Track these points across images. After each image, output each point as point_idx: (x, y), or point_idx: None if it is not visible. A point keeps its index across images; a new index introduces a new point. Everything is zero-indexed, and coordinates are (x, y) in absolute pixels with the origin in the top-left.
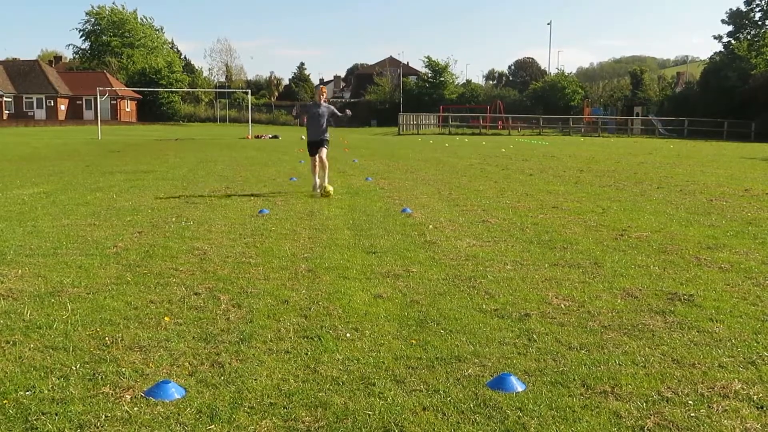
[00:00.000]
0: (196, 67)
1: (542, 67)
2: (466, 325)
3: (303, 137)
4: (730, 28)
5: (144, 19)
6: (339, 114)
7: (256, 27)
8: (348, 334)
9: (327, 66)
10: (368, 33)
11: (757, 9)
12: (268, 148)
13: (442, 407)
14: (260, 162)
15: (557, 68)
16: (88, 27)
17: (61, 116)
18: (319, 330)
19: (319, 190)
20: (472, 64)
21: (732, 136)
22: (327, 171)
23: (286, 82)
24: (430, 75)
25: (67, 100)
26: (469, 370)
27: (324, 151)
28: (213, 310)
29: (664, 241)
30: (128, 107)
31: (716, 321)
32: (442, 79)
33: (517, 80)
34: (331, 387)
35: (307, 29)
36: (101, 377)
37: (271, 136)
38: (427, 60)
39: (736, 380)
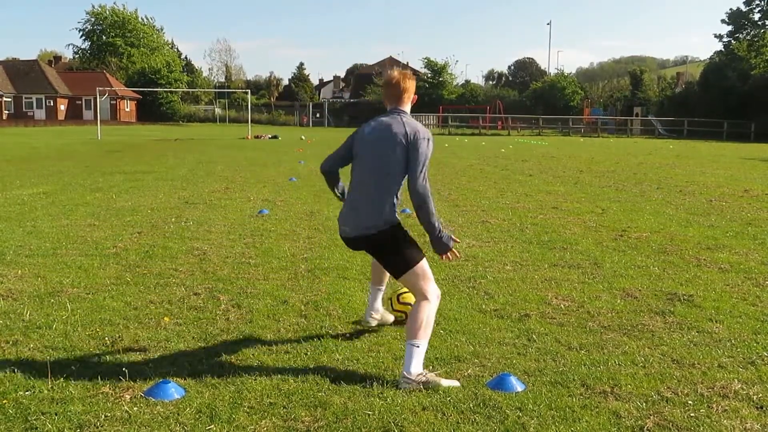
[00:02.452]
0: (196, 67)
1: (542, 68)
2: (465, 326)
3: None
4: (730, 28)
5: (145, 19)
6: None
7: (256, 27)
8: (348, 334)
9: (327, 66)
10: (368, 33)
11: (757, 9)
12: (268, 149)
13: (442, 407)
14: (260, 162)
15: (557, 68)
16: (88, 27)
17: (61, 116)
18: (319, 330)
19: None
20: (472, 64)
21: (731, 136)
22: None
23: (285, 82)
24: (429, 75)
25: (66, 100)
26: (469, 370)
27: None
28: (213, 311)
29: (664, 241)
30: (128, 107)
31: (716, 321)
32: (441, 79)
33: (516, 80)
34: (330, 387)
35: (307, 29)
36: (101, 377)
37: (270, 136)
38: (426, 60)
39: (736, 380)
